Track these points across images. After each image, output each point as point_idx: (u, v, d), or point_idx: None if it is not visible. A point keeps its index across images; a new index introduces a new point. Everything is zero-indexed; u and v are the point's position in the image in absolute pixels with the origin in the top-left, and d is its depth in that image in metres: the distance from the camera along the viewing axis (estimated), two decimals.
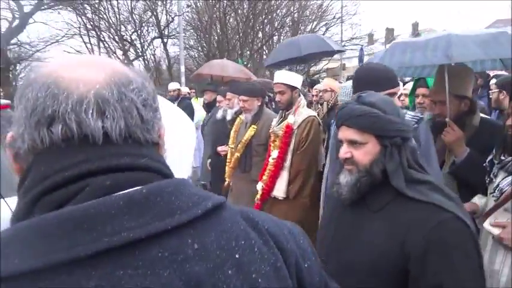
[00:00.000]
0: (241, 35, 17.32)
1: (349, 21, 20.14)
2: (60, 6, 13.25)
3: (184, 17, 15.93)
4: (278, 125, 3.22)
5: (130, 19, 16.47)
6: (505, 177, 1.93)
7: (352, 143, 1.32)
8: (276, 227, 0.67)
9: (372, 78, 1.77)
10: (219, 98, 4.66)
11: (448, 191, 1.36)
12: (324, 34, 19.32)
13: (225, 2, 16.79)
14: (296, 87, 3.22)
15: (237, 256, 0.59)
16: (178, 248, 0.54)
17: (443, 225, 1.21)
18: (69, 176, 0.54)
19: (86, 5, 14.36)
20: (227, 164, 3.70)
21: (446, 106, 2.22)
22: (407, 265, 1.21)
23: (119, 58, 16.51)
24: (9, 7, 12.64)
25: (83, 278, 0.48)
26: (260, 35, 18.19)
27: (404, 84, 4.01)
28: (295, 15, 18.79)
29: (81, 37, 15.94)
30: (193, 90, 9.04)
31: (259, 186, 3.22)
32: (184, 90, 7.71)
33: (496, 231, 1.84)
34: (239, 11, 17.34)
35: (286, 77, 3.24)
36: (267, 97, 3.96)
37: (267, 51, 17.87)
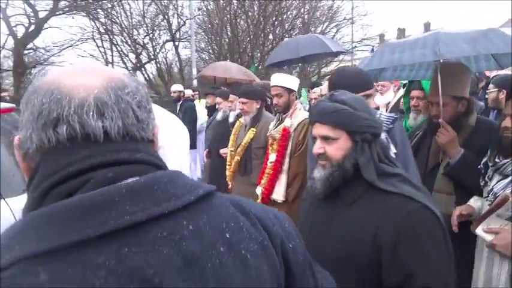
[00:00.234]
0: (251, 37, 17.40)
1: (360, 22, 20.04)
2: (74, 12, 13.53)
3: (196, 20, 16.08)
4: (275, 128, 3.23)
5: (142, 23, 16.72)
6: (500, 180, 1.90)
7: (325, 138, 1.37)
8: (262, 212, 0.75)
9: (347, 81, 1.82)
10: (218, 99, 4.67)
11: (417, 182, 1.41)
12: (334, 35, 19.29)
13: (236, 4, 16.89)
14: (293, 90, 3.23)
15: (227, 236, 0.66)
16: (175, 229, 0.61)
17: (413, 215, 1.26)
18: (75, 170, 0.60)
19: (99, 10, 14.63)
20: (227, 167, 3.73)
21: (440, 106, 2.23)
22: (380, 255, 1.25)
23: (131, 61, 16.80)
24: (25, 13, 13.02)
25: (93, 255, 0.55)
26: (271, 37, 18.21)
27: (404, 87, 4.00)
28: (306, 16, 18.77)
29: (95, 41, 16.24)
30: (197, 92, 9.13)
31: (259, 190, 3.23)
32: (188, 92, 7.77)
33: (488, 237, 1.81)
34: (249, 14, 17.41)
35: (283, 79, 3.25)
36: (268, 99, 3.97)
37: None
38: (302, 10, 18.58)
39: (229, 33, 17.55)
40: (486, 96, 4.27)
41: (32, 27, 12.83)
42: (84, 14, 14.23)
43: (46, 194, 0.60)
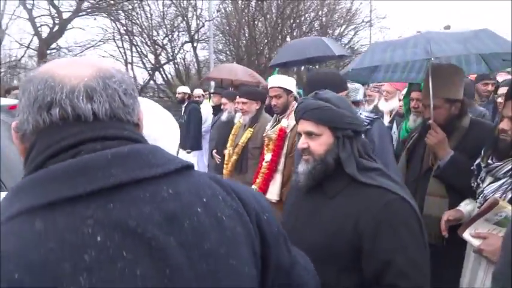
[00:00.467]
0: (269, 39, 17.43)
1: (379, 24, 19.80)
2: (97, 13, 13.87)
3: (214, 22, 16.22)
4: (272, 128, 3.30)
5: (162, 24, 16.95)
6: (491, 182, 1.88)
7: (309, 134, 1.46)
8: (238, 187, 0.84)
9: (322, 82, 1.89)
10: (223, 100, 4.73)
11: (394, 176, 1.50)
12: (352, 38, 19.13)
13: (254, 6, 16.97)
14: (291, 91, 3.30)
15: (204, 200, 0.74)
16: (156, 191, 0.69)
17: (390, 205, 1.35)
18: (67, 144, 0.68)
19: (120, 11, 14.95)
20: (224, 166, 3.82)
21: (430, 108, 2.25)
22: (360, 242, 1.33)
23: (150, 62, 17.07)
24: (50, 14, 13.43)
25: (83, 209, 0.64)
26: (288, 39, 18.17)
27: None
28: (324, 19, 18.69)
29: (115, 42, 16.55)
30: (207, 92, 9.17)
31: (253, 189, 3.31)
32: (198, 92, 7.85)
33: (476, 242, 1.78)
34: (267, 16, 17.46)
35: (282, 80, 3.34)
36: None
37: None
38: (320, 12, 18.49)
39: (247, 35, 17.63)
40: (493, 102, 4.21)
41: (56, 27, 13.21)
42: (106, 15, 14.55)
43: (42, 165, 0.68)
